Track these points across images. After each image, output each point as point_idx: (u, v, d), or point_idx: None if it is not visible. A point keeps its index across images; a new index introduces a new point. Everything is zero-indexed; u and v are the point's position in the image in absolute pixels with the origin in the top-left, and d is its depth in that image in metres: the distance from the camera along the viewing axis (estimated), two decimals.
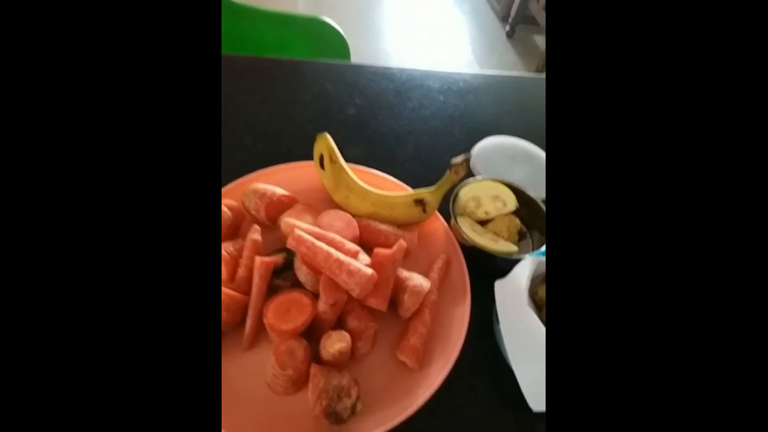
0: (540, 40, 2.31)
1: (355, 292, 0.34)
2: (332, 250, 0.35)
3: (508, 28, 2.31)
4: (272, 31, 0.94)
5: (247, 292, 0.37)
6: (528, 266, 0.36)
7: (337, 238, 0.38)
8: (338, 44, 0.98)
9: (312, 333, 0.36)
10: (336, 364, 0.34)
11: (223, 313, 0.35)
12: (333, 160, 0.46)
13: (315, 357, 0.35)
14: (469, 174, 0.52)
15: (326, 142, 0.47)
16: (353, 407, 0.32)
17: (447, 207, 0.45)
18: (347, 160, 0.49)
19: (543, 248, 0.40)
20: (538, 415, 0.33)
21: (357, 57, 0.86)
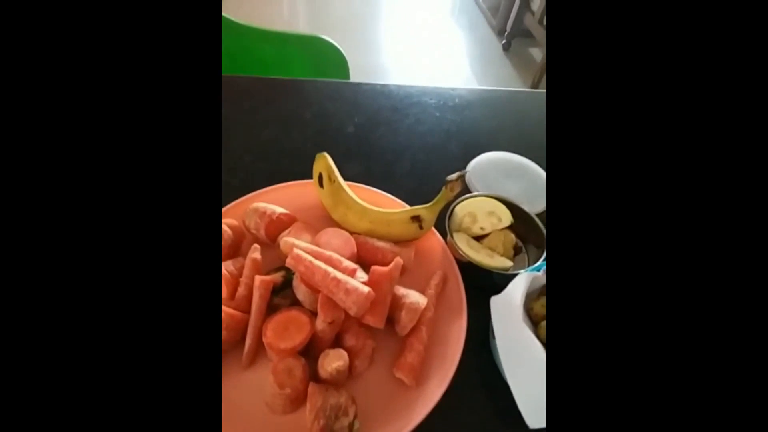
0: (536, 53, 2.35)
1: (353, 311, 0.35)
2: (330, 269, 0.36)
3: (504, 41, 2.35)
4: (273, 49, 0.96)
5: (247, 311, 0.38)
6: (523, 282, 0.36)
7: (335, 256, 0.38)
8: (338, 61, 1.01)
9: (310, 351, 0.37)
10: (334, 383, 0.35)
11: (223, 332, 0.35)
12: (332, 179, 0.47)
13: (313, 375, 0.35)
14: (466, 190, 0.53)
15: (325, 162, 0.48)
16: (351, 426, 0.32)
17: (443, 223, 0.46)
18: (346, 177, 0.50)
19: (538, 264, 0.40)
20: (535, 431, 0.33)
21: (356, 73, 0.88)
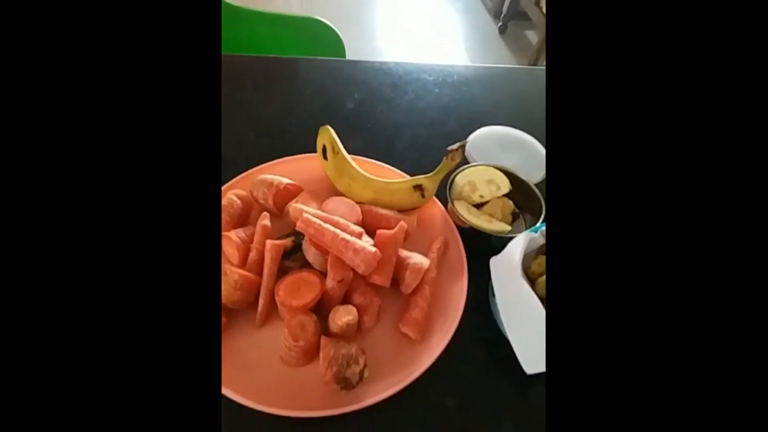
0: (532, 36, 2.34)
1: (361, 269, 0.37)
2: (338, 231, 0.38)
3: (500, 24, 2.34)
4: (268, 31, 0.96)
5: (259, 274, 0.40)
6: (521, 242, 0.38)
7: (342, 220, 0.40)
8: (334, 43, 1.01)
9: (321, 309, 0.39)
10: (344, 336, 0.37)
11: (237, 293, 0.37)
12: (335, 151, 0.49)
13: (324, 330, 0.37)
14: (465, 162, 0.55)
15: (329, 134, 0.49)
16: (361, 374, 0.35)
17: (443, 193, 0.48)
18: (348, 151, 0.52)
19: (535, 226, 0.42)
20: (532, 377, 0.36)
21: (352, 56, 0.88)
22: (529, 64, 2.11)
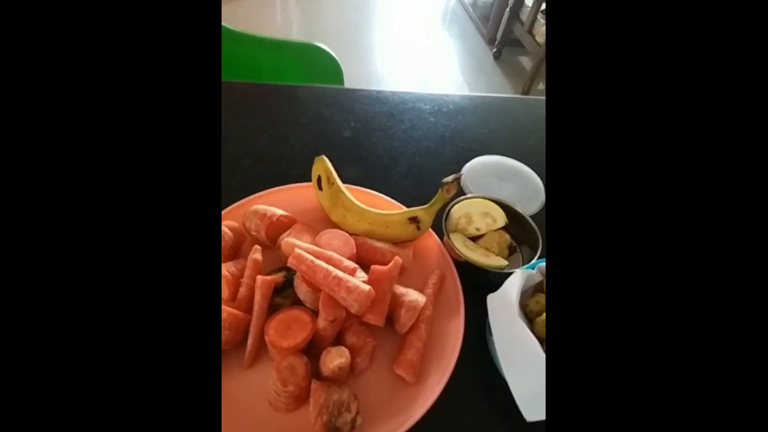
0: (525, 62, 2.40)
1: (354, 309, 0.36)
2: (331, 268, 0.37)
3: (494, 50, 2.40)
4: (267, 56, 0.97)
5: (249, 311, 0.38)
6: (518, 279, 0.37)
7: (336, 255, 0.39)
8: (332, 68, 1.02)
9: (312, 350, 0.37)
10: (336, 380, 0.35)
11: (225, 332, 0.36)
12: (330, 182, 0.48)
13: (315, 373, 0.36)
14: (461, 192, 0.55)
15: (324, 164, 0.49)
16: (353, 422, 0.33)
17: (439, 224, 0.47)
18: (344, 180, 0.51)
19: (532, 262, 0.41)
20: (532, 425, 0.34)
21: (350, 80, 0.90)
22: (523, 90, 2.15)
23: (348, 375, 0.37)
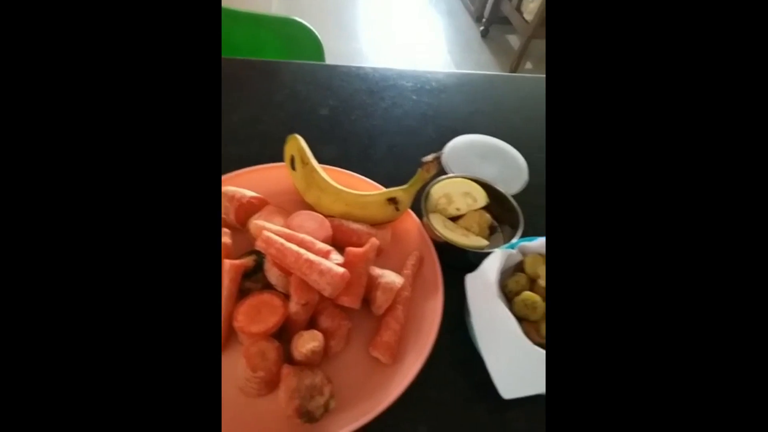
0: (513, 40, 2.36)
1: (327, 292, 0.34)
2: (302, 251, 0.35)
3: (482, 28, 2.35)
4: (244, 32, 0.92)
5: None
6: (497, 259, 0.37)
7: (308, 238, 0.38)
8: (312, 45, 0.98)
9: (285, 334, 0.36)
10: (309, 364, 0.34)
11: None
12: (304, 162, 0.46)
13: (288, 358, 0.35)
14: (442, 172, 0.53)
15: (297, 143, 0.47)
16: (326, 405, 0.32)
17: (419, 205, 0.46)
18: (320, 161, 0.49)
19: (512, 242, 0.41)
20: (509, 402, 0.34)
21: (332, 58, 0.86)
22: (511, 68, 2.12)
23: (322, 358, 0.36)
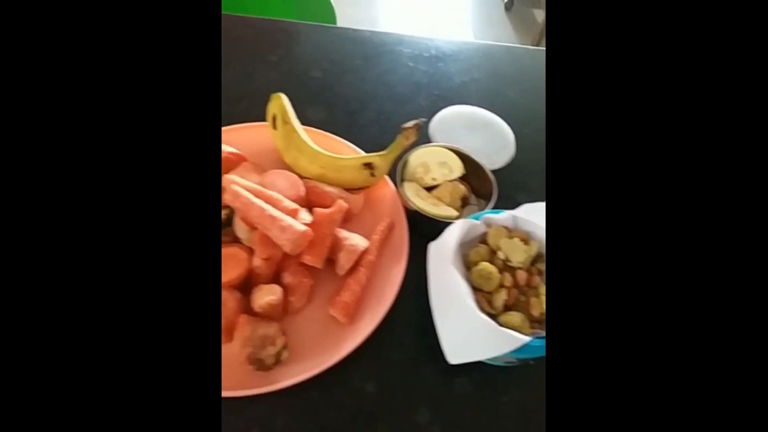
0: (539, 14, 2.24)
1: (288, 248, 0.35)
2: (267, 206, 0.36)
3: (506, 0, 2.24)
4: None
5: None
6: (459, 228, 0.36)
7: (276, 195, 0.38)
8: (324, 8, 0.96)
9: (248, 287, 0.37)
10: (267, 316, 0.36)
11: None
12: (285, 121, 0.46)
13: (248, 309, 0.36)
14: (427, 142, 0.53)
15: (280, 102, 0.47)
16: (278, 355, 0.33)
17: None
18: (307, 123, 0.49)
19: (477, 213, 0.40)
20: (457, 367, 0.35)
21: (346, 25, 0.84)
22: (533, 44, 2.03)
23: (282, 312, 0.37)
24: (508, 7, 2.25)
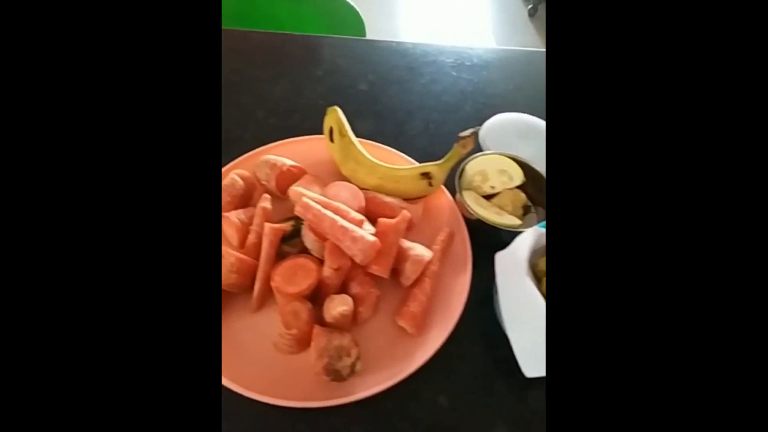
0: None
1: (358, 258, 0.36)
2: (337, 218, 0.36)
3: (530, 6, 2.23)
4: (287, 8, 0.93)
5: (256, 258, 0.39)
6: (529, 238, 0.36)
7: (343, 206, 0.39)
8: (354, 22, 0.97)
9: (317, 297, 0.38)
10: (338, 327, 0.36)
11: (234, 276, 0.37)
12: (342, 133, 0.47)
13: (319, 320, 0.36)
14: (478, 150, 0.52)
15: (336, 116, 0.48)
16: (353, 366, 0.34)
17: (453, 182, 0.46)
18: (357, 134, 0.50)
19: (543, 221, 0.40)
20: (531, 381, 0.34)
21: (371, 36, 0.85)
22: None
23: (351, 323, 0.37)
24: (532, 13, 2.24)
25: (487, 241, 0.43)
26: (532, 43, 2.10)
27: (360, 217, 0.39)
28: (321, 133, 0.50)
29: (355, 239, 0.35)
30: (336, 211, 0.38)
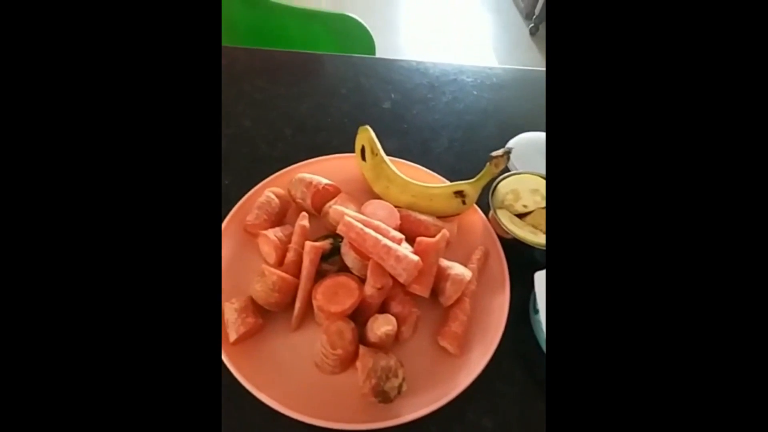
0: None
1: (402, 278, 0.36)
2: (380, 237, 0.36)
3: (531, 25, 2.28)
4: (298, 26, 0.95)
5: (295, 275, 0.39)
6: None
7: (383, 225, 0.39)
8: (364, 40, 0.99)
9: (357, 316, 0.38)
10: (381, 347, 0.36)
11: (276, 295, 0.37)
12: (374, 152, 0.48)
13: (361, 339, 0.36)
14: (505, 169, 0.53)
15: (368, 134, 0.48)
16: (399, 387, 0.33)
17: (484, 200, 0.46)
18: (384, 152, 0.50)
19: None
20: None
21: (380, 53, 0.87)
22: None
23: (393, 343, 0.37)
24: (533, 32, 2.29)
25: (520, 260, 0.43)
26: (533, 60, 2.15)
27: (399, 235, 0.39)
28: (348, 150, 0.50)
29: (399, 258, 0.35)
30: (377, 230, 0.38)
